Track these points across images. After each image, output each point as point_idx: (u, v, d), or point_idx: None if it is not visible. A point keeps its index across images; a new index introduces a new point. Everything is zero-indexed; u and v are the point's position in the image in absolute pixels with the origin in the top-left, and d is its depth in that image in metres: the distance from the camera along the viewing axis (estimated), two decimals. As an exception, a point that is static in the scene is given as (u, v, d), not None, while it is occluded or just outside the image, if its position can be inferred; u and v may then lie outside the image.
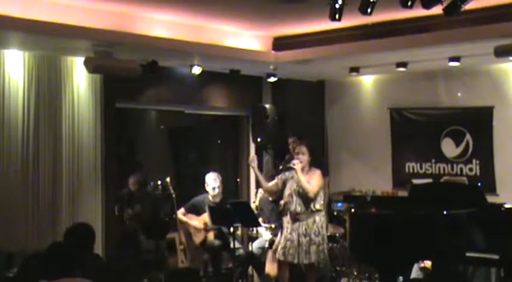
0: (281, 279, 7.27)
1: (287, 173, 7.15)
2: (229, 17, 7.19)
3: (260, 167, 9.73)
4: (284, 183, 7.13)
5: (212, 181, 8.12)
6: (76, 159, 7.53)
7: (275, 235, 7.73)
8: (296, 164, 6.91)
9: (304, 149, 7.01)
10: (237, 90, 9.50)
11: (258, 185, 8.74)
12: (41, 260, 4.10)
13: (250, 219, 7.40)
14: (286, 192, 7.09)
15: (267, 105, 9.62)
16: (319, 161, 7.26)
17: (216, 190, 8.10)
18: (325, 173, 7.44)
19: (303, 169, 6.96)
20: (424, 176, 8.96)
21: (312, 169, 7.04)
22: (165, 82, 8.58)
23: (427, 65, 8.37)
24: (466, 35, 6.66)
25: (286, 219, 7.08)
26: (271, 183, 7.32)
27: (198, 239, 8.09)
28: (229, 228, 7.70)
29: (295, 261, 6.94)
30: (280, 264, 7.17)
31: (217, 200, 8.13)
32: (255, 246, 8.09)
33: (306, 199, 6.92)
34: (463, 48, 7.24)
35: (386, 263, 5.90)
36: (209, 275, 8.19)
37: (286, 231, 7.00)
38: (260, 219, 7.79)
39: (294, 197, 6.98)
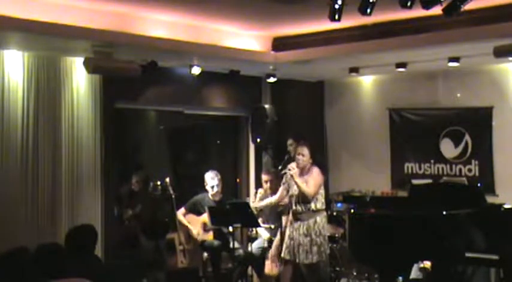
0: (283, 278, 7.27)
1: (288, 176, 7.15)
2: (228, 17, 7.19)
3: (259, 167, 9.75)
4: (289, 186, 7.15)
5: (210, 179, 8.12)
6: (75, 159, 7.53)
7: (274, 235, 7.74)
8: (292, 168, 6.92)
9: (305, 150, 7.00)
10: (236, 91, 9.50)
11: (258, 186, 8.74)
12: (40, 260, 4.09)
13: (249, 220, 7.40)
14: (288, 193, 7.13)
15: (267, 106, 9.62)
16: (318, 162, 7.25)
17: (215, 188, 8.10)
18: (323, 173, 7.44)
19: (302, 169, 6.97)
20: (423, 176, 8.94)
21: (311, 168, 7.03)
22: (164, 82, 8.57)
23: (427, 65, 8.37)
24: (465, 35, 6.65)
25: (287, 219, 7.10)
26: (280, 193, 7.36)
27: (199, 238, 8.12)
28: (228, 229, 7.70)
29: (297, 260, 6.96)
30: (285, 263, 7.17)
31: (217, 198, 8.13)
32: (254, 246, 8.09)
33: (307, 199, 6.93)
34: (462, 49, 7.24)
35: (385, 263, 5.90)
36: (208, 275, 8.20)
37: (289, 231, 7.02)
38: (260, 220, 7.80)
39: (295, 198, 7.00)
